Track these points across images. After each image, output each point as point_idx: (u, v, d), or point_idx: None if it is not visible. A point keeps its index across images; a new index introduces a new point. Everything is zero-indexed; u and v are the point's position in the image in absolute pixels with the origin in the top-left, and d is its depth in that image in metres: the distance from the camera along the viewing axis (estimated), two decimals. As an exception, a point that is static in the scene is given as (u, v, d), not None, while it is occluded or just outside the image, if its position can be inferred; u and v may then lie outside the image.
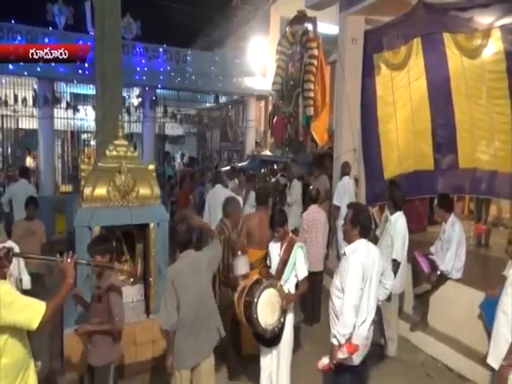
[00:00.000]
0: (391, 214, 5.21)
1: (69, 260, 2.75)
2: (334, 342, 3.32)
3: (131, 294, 5.21)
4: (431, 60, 6.43)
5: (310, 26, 8.89)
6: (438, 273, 5.32)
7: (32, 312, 2.44)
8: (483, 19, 5.65)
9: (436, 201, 5.73)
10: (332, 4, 8.43)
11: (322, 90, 8.40)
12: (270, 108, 9.07)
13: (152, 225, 4.89)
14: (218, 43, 18.00)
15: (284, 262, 3.97)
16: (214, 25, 17.68)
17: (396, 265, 4.94)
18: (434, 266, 5.36)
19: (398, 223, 5.06)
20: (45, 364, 4.29)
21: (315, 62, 8.26)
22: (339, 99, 8.13)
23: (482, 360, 4.68)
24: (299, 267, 3.98)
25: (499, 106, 5.69)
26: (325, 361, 3.45)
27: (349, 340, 3.28)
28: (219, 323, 3.73)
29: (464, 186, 6.28)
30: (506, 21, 5.40)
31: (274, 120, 9.27)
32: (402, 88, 6.86)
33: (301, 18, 8.75)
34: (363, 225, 3.42)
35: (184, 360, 3.49)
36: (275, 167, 10.21)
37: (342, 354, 3.25)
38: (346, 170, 7.50)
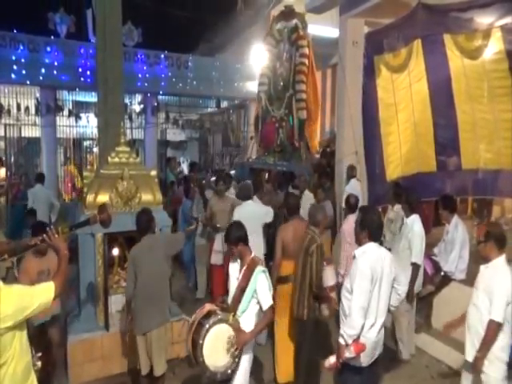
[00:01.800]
0: (407, 216, 5.24)
1: (54, 236, 2.83)
2: (341, 341, 3.30)
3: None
4: (432, 61, 6.42)
5: (298, 24, 8.22)
6: (442, 274, 5.31)
7: (46, 292, 2.63)
8: (483, 19, 5.66)
9: (439, 202, 5.68)
10: (332, 7, 8.46)
11: (313, 92, 7.73)
12: (257, 111, 8.07)
13: (155, 230, 4.89)
14: (218, 48, 18.01)
15: (242, 290, 3.43)
16: (215, 30, 17.69)
17: (416, 268, 4.93)
18: (437, 267, 5.35)
19: (415, 226, 5.06)
20: (49, 372, 4.28)
21: (306, 61, 7.65)
22: (340, 102, 8.15)
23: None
24: (261, 296, 3.38)
25: (503, 103, 5.71)
26: (332, 360, 3.39)
27: (356, 340, 3.26)
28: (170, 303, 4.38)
29: (467, 188, 6.24)
30: (506, 20, 5.41)
31: (264, 124, 8.39)
32: (403, 90, 6.85)
33: (288, 14, 8.08)
34: (371, 227, 3.40)
35: (138, 325, 4.07)
36: (266, 176, 8.78)
37: (348, 353, 3.21)
38: (352, 172, 7.58)
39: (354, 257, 3.43)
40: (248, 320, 3.43)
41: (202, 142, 18.10)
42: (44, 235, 2.82)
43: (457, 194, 6.36)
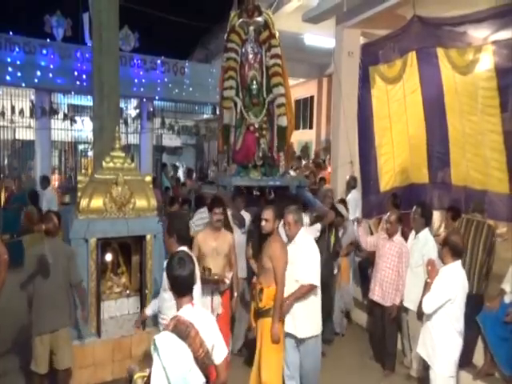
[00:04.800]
0: (418, 231, 5.12)
1: None
2: None
3: (127, 306, 5.19)
4: (426, 74, 6.47)
5: (269, 21, 7.16)
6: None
7: None
8: (477, 33, 5.71)
9: (446, 212, 5.65)
10: (329, 17, 8.54)
11: (288, 98, 6.95)
12: (226, 119, 6.91)
13: (149, 237, 4.88)
14: (215, 55, 18.04)
15: None
16: (212, 37, 17.77)
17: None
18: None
19: (429, 241, 5.00)
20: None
21: (280, 61, 6.87)
22: (336, 112, 8.19)
23: (479, 373, 4.68)
24: None
25: (491, 123, 5.64)
26: None
27: None
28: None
29: (459, 202, 6.15)
30: (497, 36, 5.43)
31: (241, 134, 7.04)
32: (398, 102, 6.90)
33: (252, 10, 7.06)
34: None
35: (43, 325, 4.06)
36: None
37: None
38: (353, 183, 7.64)
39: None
40: None
41: (198, 148, 18.10)
42: None
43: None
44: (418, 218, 5.11)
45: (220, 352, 2.55)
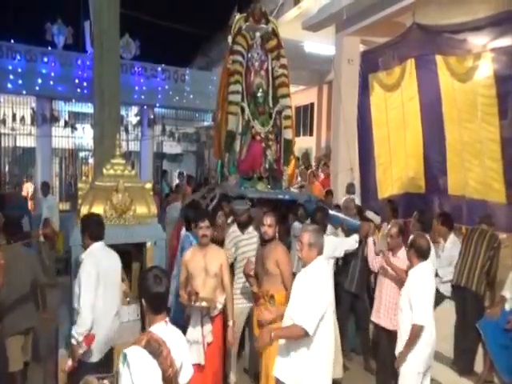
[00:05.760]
0: (445, 239, 5.21)
1: None
2: (73, 341, 3.49)
3: (127, 313, 5.16)
4: (424, 81, 6.47)
5: (276, 30, 7.04)
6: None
7: None
8: (476, 40, 5.72)
9: (437, 218, 5.35)
10: (329, 25, 8.58)
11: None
12: (232, 125, 6.46)
13: (149, 244, 4.88)
14: (215, 63, 18.11)
15: None
16: (212, 45, 17.85)
17: None
18: None
19: (454, 249, 5.12)
20: None
21: (287, 72, 6.76)
22: (336, 118, 8.21)
23: (478, 379, 4.65)
24: None
25: (490, 132, 5.62)
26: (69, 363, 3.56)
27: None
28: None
29: (458, 211, 6.03)
30: (496, 44, 5.43)
31: (247, 143, 6.70)
32: (396, 109, 6.91)
33: (258, 15, 6.82)
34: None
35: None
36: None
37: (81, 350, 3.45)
38: (352, 189, 7.64)
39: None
40: None
41: (199, 155, 18.12)
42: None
43: None
44: (440, 228, 5.17)
45: (186, 372, 2.49)
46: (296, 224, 5.76)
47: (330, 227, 5.52)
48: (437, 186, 6.45)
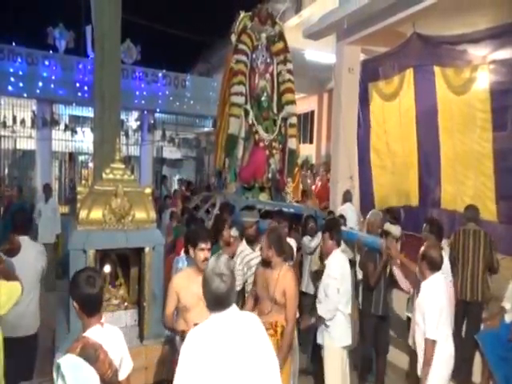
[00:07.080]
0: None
1: None
2: None
3: (124, 318, 5.14)
4: (421, 92, 6.47)
5: (283, 32, 6.85)
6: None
7: None
8: (476, 52, 5.74)
9: (424, 226, 4.90)
10: (330, 34, 8.60)
11: None
12: (234, 129, 6.06)
13: (147, 249, 4.86)
14: (216, 69, 18.20)
15: None
16: (213, 51, 17.93)
17: None
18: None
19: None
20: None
21: (293, 78, 6.48)
22: (335, 127, 8.22)
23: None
24: None
25: (483, 147, 5.57)
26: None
27: None
28: None
29: (446, 227, 5.61)
30: (495, 56, 5.45)
31: (251, 149, 6.30)
32: (393, 119, 6.92)
33: (264, 17, 6.50)
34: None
35: None
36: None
37: None
38: (347, 197, 7.62)
39: None
40: None
41: (198, 161, 18.14)
42: None
43: None
44: (429, 235, 4.79)
45: (125, 367, 2.49)
46: (305, 240, 5.36)
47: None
48: (430, 199, 6.39)
